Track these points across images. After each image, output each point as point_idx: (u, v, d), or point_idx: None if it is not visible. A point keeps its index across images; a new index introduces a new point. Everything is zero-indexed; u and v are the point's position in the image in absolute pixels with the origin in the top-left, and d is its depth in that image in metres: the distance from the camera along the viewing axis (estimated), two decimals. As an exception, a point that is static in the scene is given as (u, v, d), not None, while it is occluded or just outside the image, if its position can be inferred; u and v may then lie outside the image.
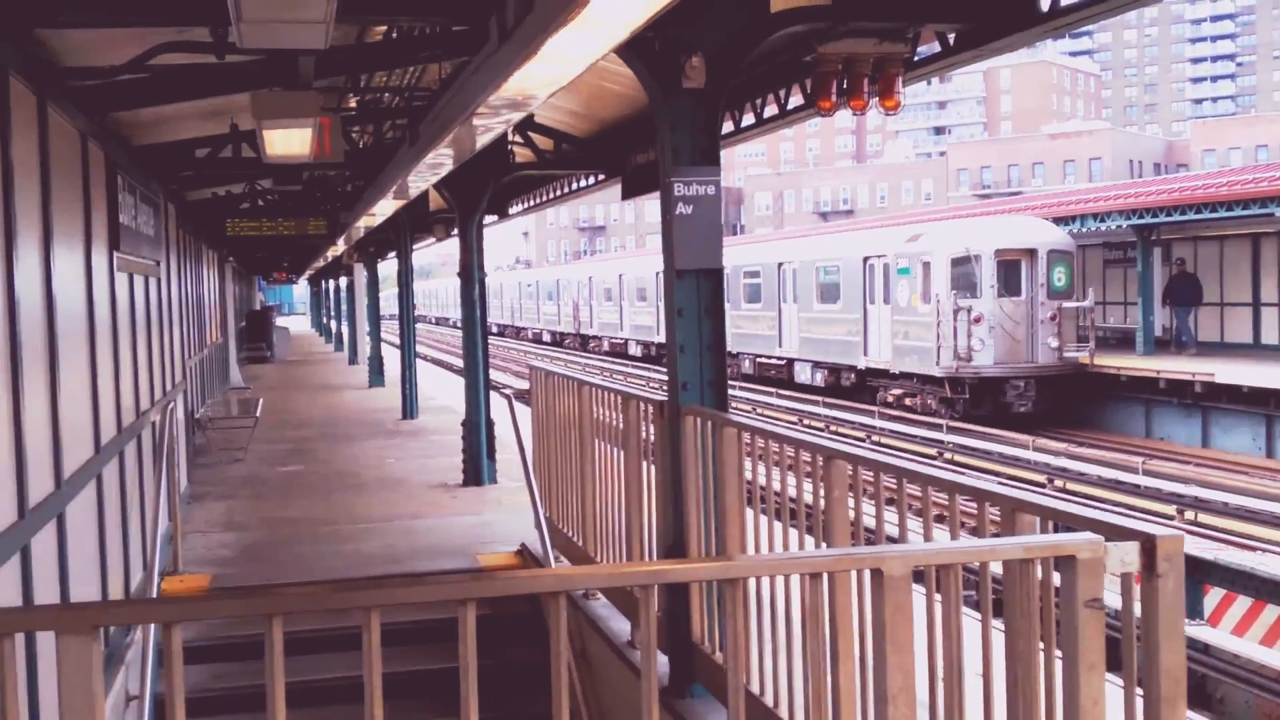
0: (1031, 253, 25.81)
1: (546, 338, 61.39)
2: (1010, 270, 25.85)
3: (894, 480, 3.64)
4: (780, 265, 33.96)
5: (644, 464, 6.74)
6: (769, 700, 4.96)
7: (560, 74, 5.30)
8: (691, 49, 5.55)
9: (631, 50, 5.52)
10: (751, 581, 4.99)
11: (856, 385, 29.57)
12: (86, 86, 7.09)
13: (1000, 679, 3.10)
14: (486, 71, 5.71)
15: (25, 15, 5.52)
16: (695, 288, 5.89)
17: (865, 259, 29.41)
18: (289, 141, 7.60)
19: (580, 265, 66.46)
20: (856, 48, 6.23)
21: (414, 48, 7.48)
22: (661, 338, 43.04)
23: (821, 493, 4.39)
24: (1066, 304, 25.64)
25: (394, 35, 8.49)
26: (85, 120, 7.20)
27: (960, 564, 2.58)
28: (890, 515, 5.36)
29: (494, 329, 62.60)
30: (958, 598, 2.61)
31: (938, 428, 24.82)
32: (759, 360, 34.36)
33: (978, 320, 25.17)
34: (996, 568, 3.04)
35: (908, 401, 27.44)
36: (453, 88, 7.32)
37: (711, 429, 5.52)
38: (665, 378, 5.98)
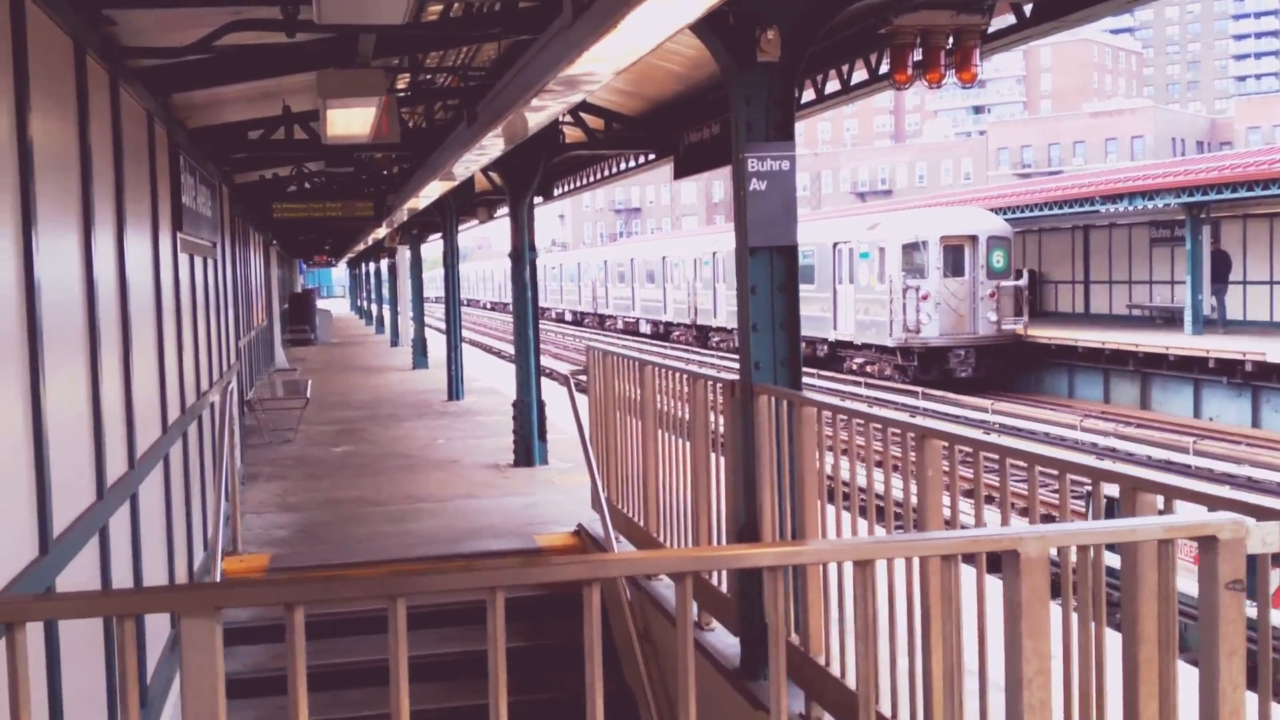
0: (973, 239, 29.53)
1: (569, 317, 63.10)
2: (954, 254, 29.50)
3: (995, 459, 3.55)
4: None
5: (711, 445, 6.66)
6: (850, 683, 4.90)
7: (634, 48, 5.21)
8: (767, 22, 5.44)
9: (706, 24, 5.43)
10: (833, 565, 4.92)
11: (828, 356, 33.07)
12: (151, 67, 7.08)
13: (1114, 665, 3.03)
14: (558, 46, 5.63)
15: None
16: (769, 264, 5.76)
17: (835, 245, 32.68)
18: (350, 121, 7.57)
19: (597, 250, 68.95)
20: (934, 19, 6.11)
21: (479, 25, 7.40)
22: (667, 316, 46.05)
23: (904, 473, 4.31)
24: (1004, 283, 29.39)
25: (449, 14, 8.44)
26: (151, 100, 7.19)
27: (1100, 544, 2.50)
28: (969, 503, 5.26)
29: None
30: (1087, 579, 2.54)
31: (983, 409, 24.81)
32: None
33: (925, 298, 28.82)
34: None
35: (869, 369, 30.92)
36: (515, 66, 7.24)
37: (788, 408, 5.44)
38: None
